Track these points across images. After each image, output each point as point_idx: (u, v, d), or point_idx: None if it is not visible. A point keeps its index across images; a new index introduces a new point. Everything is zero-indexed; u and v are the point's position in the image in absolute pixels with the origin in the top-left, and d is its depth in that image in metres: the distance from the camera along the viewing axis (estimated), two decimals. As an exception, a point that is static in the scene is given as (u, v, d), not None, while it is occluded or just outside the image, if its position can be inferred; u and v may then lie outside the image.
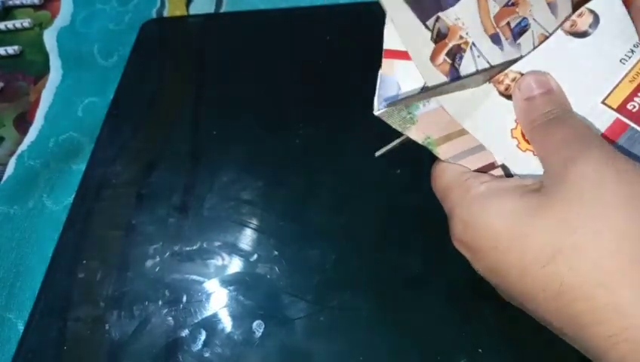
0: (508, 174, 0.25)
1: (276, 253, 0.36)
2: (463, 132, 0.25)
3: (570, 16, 0.24)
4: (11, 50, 0.54)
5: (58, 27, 0.55)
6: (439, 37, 0.24)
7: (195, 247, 0.38)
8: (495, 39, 0.25)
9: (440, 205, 0.26)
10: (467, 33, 0.24)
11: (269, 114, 0.44)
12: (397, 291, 0.34)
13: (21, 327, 0.37)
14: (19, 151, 0.47)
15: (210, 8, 0.54)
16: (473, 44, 0.24)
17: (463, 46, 0.24)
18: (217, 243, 0.38)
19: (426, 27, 0.23)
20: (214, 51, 0.50)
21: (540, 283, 0.20)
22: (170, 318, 0.35)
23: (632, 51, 0.24)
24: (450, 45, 0.24)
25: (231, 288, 0.35)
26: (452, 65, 0.24)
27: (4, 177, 0.45)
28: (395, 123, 0.24)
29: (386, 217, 0.36)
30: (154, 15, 0.55)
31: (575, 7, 0.24)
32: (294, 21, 0.50)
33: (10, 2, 0.59)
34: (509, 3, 0.24)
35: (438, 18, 0.23)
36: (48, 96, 0.50)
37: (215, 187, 0.40)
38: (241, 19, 0.52)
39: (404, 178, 0.37)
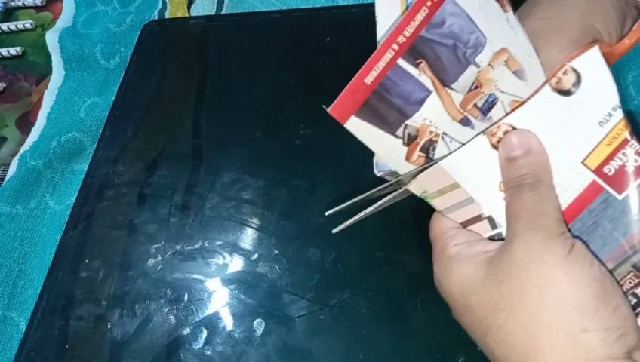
0: (494, 225, 0.26)
1: (277, 252, 0.37)
2: (455, 186, 0.26)
3: (557, 72, 0.24)
4: (14, 51, 0.55)
5: (60, 28, 0.55)
6: (410, 140, 0.25)
7: (196, 246, 0.38)
8: (464, 122, 0.25)
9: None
10: (436, 127, 0.25)
11: (269, 115, 0.44)
12: (396, 290, 0.34)
13: (23, 326, 0.37)
14: (21, 151, 0.47)
15: (211, 10, 0.55)
16: (444, 133, 0.25)
17: (434, 138, 0.26)
18: (218, 243, 0.38)
19: (396, 137, 0.25)
20: (215, 52, 0.50)
21: (483, 346, 0.24)
22: (171, 317, 0.35)
23: (610, 115, 0.24)
24: (422, 142, 0.26)
25: (232, 287, 0.36)
26: (426, 156, 0.26)
27: (7, 177, 0.46)
28: (395, 179, 0.26)
29: (385, 217, 0.36)
30: (155, 16, 0.55)
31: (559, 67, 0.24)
32: (295, 23, 0.50)
33: (13, 3, 0.59)
34: (472, 88, 0.25)
35: (405, 125, 0.25)
36: (50, 97, 0.50)
37: (216, 187, 0.41)
38: (242, 20, 0.52)
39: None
